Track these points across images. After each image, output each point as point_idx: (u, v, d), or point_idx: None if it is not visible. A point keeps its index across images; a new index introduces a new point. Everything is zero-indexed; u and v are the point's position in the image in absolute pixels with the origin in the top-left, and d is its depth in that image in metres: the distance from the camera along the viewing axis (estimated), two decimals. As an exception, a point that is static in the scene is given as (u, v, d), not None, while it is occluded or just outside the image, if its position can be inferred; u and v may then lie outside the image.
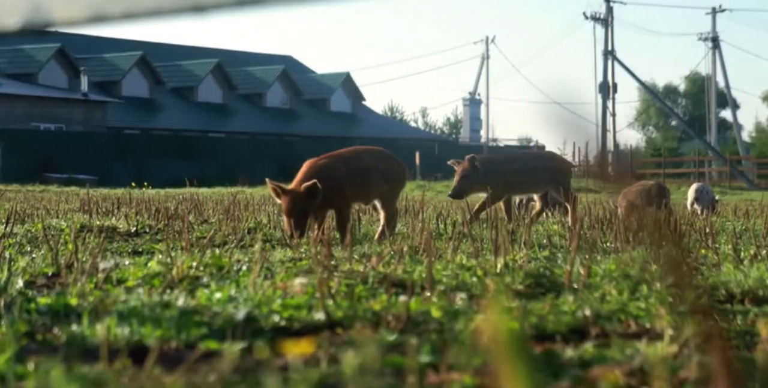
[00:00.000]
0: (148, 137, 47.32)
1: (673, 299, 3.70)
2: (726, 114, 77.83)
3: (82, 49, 54.44)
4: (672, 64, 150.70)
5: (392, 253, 5.02)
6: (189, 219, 7.71)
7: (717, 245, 5.95)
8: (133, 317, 3.14)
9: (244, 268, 4.73)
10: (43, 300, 3.46)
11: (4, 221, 8.23)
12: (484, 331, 0.98)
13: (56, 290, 3.85)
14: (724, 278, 4.27)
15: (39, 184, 32.50)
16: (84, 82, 50.11)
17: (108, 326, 2.95)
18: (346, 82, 64.40)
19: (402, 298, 3.54)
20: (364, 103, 66.42)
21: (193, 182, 21.66)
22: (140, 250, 6.21)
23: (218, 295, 3.65)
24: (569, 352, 2.79)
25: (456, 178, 9.76)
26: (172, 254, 4.90)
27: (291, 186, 6.89)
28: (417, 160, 37.93)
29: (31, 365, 2.33)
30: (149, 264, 4.79)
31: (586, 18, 56.06)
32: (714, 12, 66.30)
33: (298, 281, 3.80)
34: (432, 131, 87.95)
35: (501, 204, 9.89)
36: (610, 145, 56.79)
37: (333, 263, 4.49)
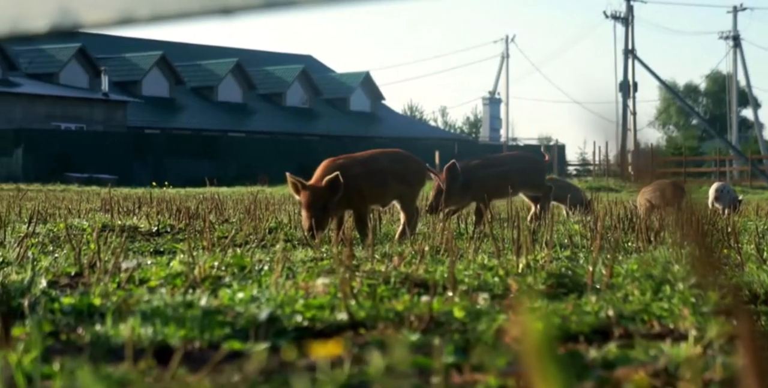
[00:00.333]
0: (168, 137, 47.42)
1: (696, 299, 3.69)
2: (747, 113, 77.53)
3: (103, 48, 54.62)
4: (693, 63, 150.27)
5: (414, 253, 5.02)
6: (210, 219, 7.72)
7: (739, 245, 5.93)
8: (156, 317, 3.15)
9: (266, 268, 4.74)
10: (67, 300, 3.47)
11: (26, 220, 8.27)
12: (514, 332, 0.97)
13: (79, 290, 3.86)
14: (747, 279, 4.25)
15: (59, 183, 32.64)
16: (104, 82, 50.28)
17: (132, 326, 2.96)
18: (366, 81, 64.42)
19: (424, 298, 3.54)
20: (383, 102, 66.42)
21: (213, 182, 21.69)
22: (162, 249, 6.23)
23: (240, 295, 3.65)
24: (593, 353, 2.78)
25: (432, 193, 9.54)
26: (194, 253, 4.91)
27: (310, 182, 6.90)
28: (437, 160, 37.91)
29: (56, 365, 2.34)
30: (171, 264, 4.80)
31: (606, 17, 55.91)
32: (735, 10, 66.06)
33: (321, 281, 3.81)
34: (452, 131, 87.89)
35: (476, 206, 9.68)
36: (630, 144, 56.64)
37: (354, 262, 4.49)
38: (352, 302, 3.39)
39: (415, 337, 3.00)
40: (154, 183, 28.92)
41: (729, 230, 6.79)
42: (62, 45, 51.56)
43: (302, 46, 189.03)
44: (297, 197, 6.92)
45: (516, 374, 2.44)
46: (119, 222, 8.04)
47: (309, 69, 62.58)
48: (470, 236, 7.36)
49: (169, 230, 7.88)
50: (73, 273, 4.68)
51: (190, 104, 56.34)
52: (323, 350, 2.22)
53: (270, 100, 60.43)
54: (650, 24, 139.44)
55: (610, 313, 3.38)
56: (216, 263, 4.74)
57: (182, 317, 3.17)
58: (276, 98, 60.62)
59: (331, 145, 45.47)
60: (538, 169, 10.45)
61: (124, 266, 4.61)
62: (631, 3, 55.96)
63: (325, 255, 5.58)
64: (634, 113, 56.61)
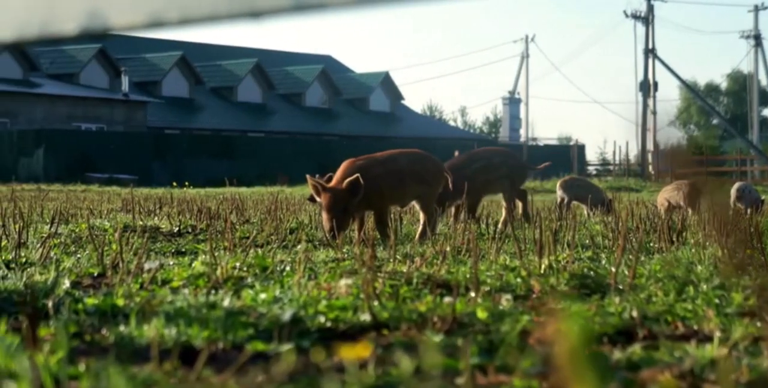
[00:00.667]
0: (188, 137, 47.52)
1: (720, 300, 3.68)
2: (768, 112, 77.17)
3: (123, 49, 54.79)
4: (713, 62, 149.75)
5: (435, 253, 5.02)
6: (231, 219, 7.74)
7: (763, 246, 5.90)
8: (180, 318, 3.16)
9: (288, 268, 4.74)
10: (91, 301, 3.48)
11: (48, 220, 8.30)
12: (546, 334, 0.97)
13: (103, 291, 3.87)
14: (771, 279, 4.22)
15: (80, 184, 32.74)
16: (125, 83, 50.44)
17: (156, 327, 2.97)
18: (385, 81, 64.42)
19: (447, 299, 3.53)
20: (402, 102, 66.41)
21: (233, 182, 21.72)
22: (183, 250, 6.24)
23: (263, 296, 3.66)
24: (617, 354, 2.77)
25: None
26: (216, 254, 4.92)
27: (331, 184, 6.90)
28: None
29: (82, 366, 2.35)
30: (193, 264, 4.81)
31: (627, 16, 55.74)
32: (756, 9, 65.77)
33: (343, 282, 3.81)
34: (471, 131, 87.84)
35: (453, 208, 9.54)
36: (650, 144, 56.45)
37: (376, 263, 4.49)
38: (375, 303, 3.39)
39: (438, 338, 2.99)
40: (174, 183, 28.99)
41: (752, 230, 6.76)
42: (83, 46, 51.75)
43: (322, 46, 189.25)
44: (318, 199, 6.92)
45: (544, 375, 2.43)
46: (140, 222, 8.06)
47: (328, 69, 62.61)
48: (491, 236, 7.35)
49: (190, 230, 7.89)
50: (95, 274, 4.69)
51: (209, 104, 56.45)
52: (351, 352, 2.21)
53: (289, 101, 60.49)
54: (671, 23, 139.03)
55: (634, 314, 3.37)
56: (238, 264, 4.75)
57: (205, 317, 3.17)
58: (295, 98, 60.67)
59: (350, 146, 45.49)
60: (523, 168, 10.29)
61: (146, 266, 4.62)
62: (652, 2, 55.79)
63: (346, 256, 5.59)
64: (655, 113, 56.43)
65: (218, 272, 4.42)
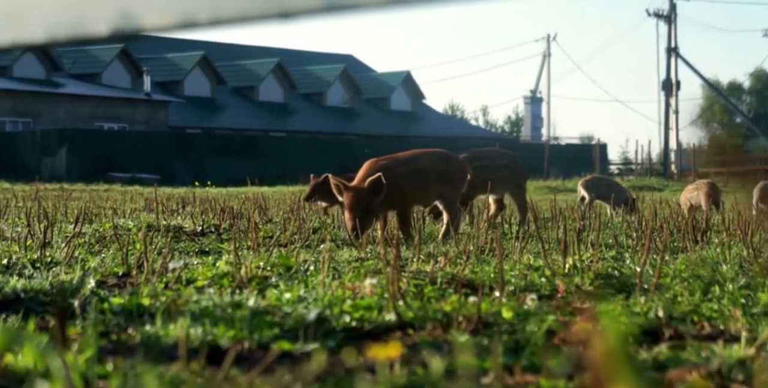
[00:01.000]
0: (210, 137, 47.62)
1: (746, 300, 3.66)
2: (791, 111, 76.79)
3: (145, 49, 54.96)
4: (736, 61, 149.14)
5: (459, 253, 5.02)
6: (254, 219, 7.75)
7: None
8: (205, 318, 3.17)
9: (311, 268, 4.75)
10: (116, 300, 3.49)
11: (72, 220, 8.34)
12: (583, 334, 0.96)
13: (128, 290, 3.89)
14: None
15: (102, 183, 32.85)
16: (147, 82, 50.60)
17: (181, 326, 2.97)
18: (407, 80, 64.40)
19: (472, 299, 3.53)
20: (424, 101, 66.38)
21: (254, 181, 21.77)
22: (207, 249, 6.25)
23: (287, 295, 3.66)
24: (643, 354, 2.77)
25: None
26: (239, 253, 4.92)
27: (353, 184, 6.91)
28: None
29: (110, 365, 2.35)
30: (218, 264, 4.83)
31: (649, 15, 55.60)
32: (779, 8, 65.40)
33: (368, 281, 3.81)
34: (493, 130, 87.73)
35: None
36: (672, 143, 56.26)
37: (400, 263, 4.49)
38: (400, 303, 3.39)
39: (464, 338, 2.99)
40: (196, 183, 29.07)
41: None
42: (105, 46, 51.92)
43: (343, 45, 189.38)
44: (340, 199, 6.92)
45: (570, 375, 2.43)
46: (164, 222, 8.08)
47: (350, 69, 62.63)
48: (513, 236, 7.35)
49: (213, 229, 7.91)
50: (120, 273, 4.71)
51: (231, 104, 56.56)
52: (381, 352, 2.21)
53: (311, 100, 60.54)
54: (693, 22, 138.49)
55: (660, 314, 3.36)
56: (262, 263, 4.76)
57: (231, 317, 3.18)
58: (317, 98, 60.72)
59: (371, 145, 45.51)
60: (523, 171, 10.13)
61: (171, 266, 4.63)
62: (674, 1, 55.61)
63: (369, 255, 5.59)
64: (677, 112, 56.25)
65: (242, 271, 4.42)
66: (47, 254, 5.15)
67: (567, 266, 4.58)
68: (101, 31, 1.53)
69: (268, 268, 4.71)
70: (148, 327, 3.05)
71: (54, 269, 4.63)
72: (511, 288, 4.07)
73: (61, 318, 2.48)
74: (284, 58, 60.40)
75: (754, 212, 11.46)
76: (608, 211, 12.53)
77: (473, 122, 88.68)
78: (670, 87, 54.89)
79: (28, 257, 5.08)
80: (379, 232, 7.02)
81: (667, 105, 55.19)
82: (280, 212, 10.31)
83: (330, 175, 7.01)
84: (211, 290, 3.93)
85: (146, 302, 3.48)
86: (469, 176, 7.70)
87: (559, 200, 12.31)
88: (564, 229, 4.87)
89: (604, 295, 3.94)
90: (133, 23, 1.47)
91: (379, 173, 6.74)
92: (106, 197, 17.15)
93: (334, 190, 6.94)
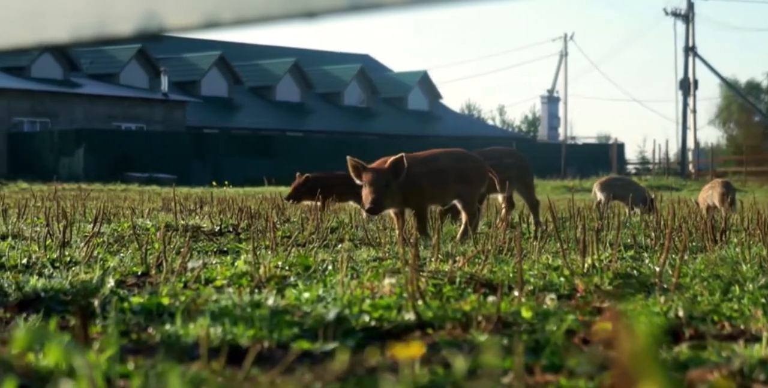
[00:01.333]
0: (227, 136, 47.70)
1: (767, 300, 3.65)
2: (809, 110, 76.45)
3: (162, 49, 55.06)
4: (754, 60, 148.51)
5: (479, 253, 5.01)
6: (272, 218, 7.76)
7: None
8: (225, 317, 3.17)
9: (330, 267, 4.75)
10: (136, 299, 3.50)
11: (90, 220, 8.36)
12: (612, 333, 0.96)
13: (147, 290, 3.90)
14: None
15: (120, 183, 32.95)
16: (164, 82, 50.72)
17: (202, 325, 2.98)
18: (423, 80, 64.38)
19: (491, 298, 3.53)
20: (441, 101, 66.36)
21: (271, 181, 21.79)
22: (225, 249, 6.27)
23: (307, 295, 3.67)
24: (663, 354, 2.76)
25: None
26: (258, 253, 4.93)
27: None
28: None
29: (131, 365, 2.36)
30: (236, 264, 4.84)
31: (667, 14, 55.43)
32: (797, 7, 65.15)
33: (387, 281, 3.81)
34: (510, 129, 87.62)
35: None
36: (690, 143, 56.09)
37: (418, 262, 4.49)
38: (420, 303, 3.39)
39: (483, 337, 2.99)
40: (213, 183, 29.11)
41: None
42: (123, 46, 52.06)
43: (360, 45, 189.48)
44: (358, 181, 6.89)
45: (590, 375, 2.42)
46: (182, 222, 8.10)
47: (366, 68, 62.64)
48: (531, 235, 7.34)
49: (231, 229, 7.92)
50: (139, 273, 4.72)
51: (248, 104, 56.64)
52: (404, 352, 2.21)
53: (328, 100, 60.58)
54: (711, 21, 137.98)
55: (680, 313, 3.35)
56: (280, 263, 4.77)
57: (251, 316, 3.18)
58: (334, 98, 60.76)
59: (388, 145, 45.50)
60: (530, 169, 10.07)
61: (190, 265, 4.65)
62: (692, 0, 55.44)
63: (387, 255, 5.59)
64: (694, 111, 56.09)
65: (261, 271, 4.43)
66: (66, 253, 5.17)
67: (586, 265, 4.58)
68: (125, 31, 1.53)
69: (287, 267, 4.71)
70: (168, 326, 3.05)
71: (73, 268, 4.64)
72: (530, 288, 4.07)
73: (83, 317, 2.49)
74: (301, 57, 60.44)
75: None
76: (626, 210, 12.51)
77: (490, 122, 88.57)
78: (687, 86, 54.72)
79: (48, 256, 5.10)
80: (397, 231, 7.01)
81: (685, 104, 55.03)
82: (298, 212, 10.32)
83: (349, 157, 6.97)
84: (230, 290, 3.94)
85: (166, 301, 3.49)
86: (488, 176, 7.68)
87: (577, 200, 12.28)
88: (583, 228, 4.86)
89: (623, 294, 3.94)
90: (156, 23, 1.47)
91: (402, 154, 6.78)
92: (123, 196, 17.20)
93: (352, 172, 6.89)
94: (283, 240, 6.41)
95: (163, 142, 43.91)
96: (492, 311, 3.25)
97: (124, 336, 2.95)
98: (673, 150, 61.03)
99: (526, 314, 3.34)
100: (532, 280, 4.24)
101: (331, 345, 2.86)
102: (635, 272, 4.50)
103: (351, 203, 10.80)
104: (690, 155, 55.63)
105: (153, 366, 2.36)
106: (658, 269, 4.32)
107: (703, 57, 54.33)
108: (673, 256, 5.11)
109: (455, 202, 7.52)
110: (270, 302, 3.45)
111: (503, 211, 9.52)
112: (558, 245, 5.47)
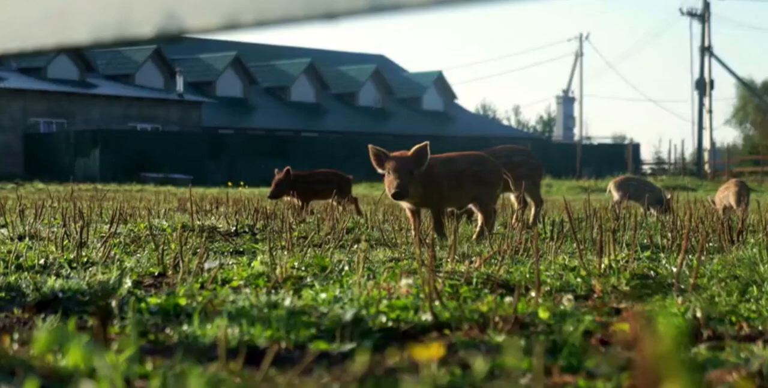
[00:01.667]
0: (242, 137, 47.76)
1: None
2: (826, 110, 76.14)
3: (178, 50, 55.19)
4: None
5: (495, 253, 5.01)
6: (288, 219, 7.77)
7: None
8: (242, 318, 3.17)
9: (346, 268, 4.76)
10: (153, 300, 3.50)
11: (107, 220, 8.38)
12: (637, 335, 0.96)
13: (164, 290, 3.90)
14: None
15: (135, 183, 33.01)
16: (179, 83, 50.83)
17: (219, 326, 2.98)
18: (439, 80, 64.37)
19: (508, 299, 3.52)
20: (456, 101, 66.33)
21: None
22: (241, 249, 6.27)
23: (323, 295, 3.67)
24: (684, 355, 2.75)
25: None
26: (274, 254, 4.94)
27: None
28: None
29: (149, 365, 2.36)
30: (253, 264, 4.84)
31: (682, 14, 55.30)
32: (813, 6, 64.92)
33: (404, 282, 3.81)
34: (525, 129, 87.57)
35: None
36: (706, 143, 55.94)
37: (435, 263, 4.48)
38: (436, 303, 3.39)
39: (500, 338, 2.99)
40: (228, 183, 29.14)
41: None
42: (138, 46, 52.19)
43: (375, 45, 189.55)
44: (379, 170, 6.91)
45: (608, 376, 2.42)
46: (198, 222, 8.10)
47: (381, 69, 62.65)
48: (547, 236, 7.33)
49: (247, 230, 7.93)
50: (156, 273, 4.73)
51: (263, 104, 56.71)
52: (425, 353, 2.21)
53: (343, 100, 60.61)
54: (727, 20, 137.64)
55: (698, 314, 3.34)
56: (296, 264, 4.77)
57: (268, 317, 3.18)
58: (349, 98, 60.79)
59: (404, 145, 45.25)
60: (540, 168, 10.04)
61: (206, 266, 4.66)
62: (708, 0, 55.29)
63: (403, 255, 5.59)
64: (711, 111, 55.93)
65: (277, 271, 4.43)
66: (83, 254, 5.18)
67: (602, 266, 4.57)
68: (145, 33, 1.53)
69: (303, 268, 4.72)
70: (185, 327, 3.06)
71: (90, 269, 4.65)
72: (547, 288, 4.06)
73: (102, 318, 2.50)
74: (316, 58, 60.50)
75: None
76: (641, 211, 12.47)
77: (505, 122, 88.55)
78: (703, 86, 54.58)
79: (65, 256, 5.11)
80: (413, 232, 7.02)
81: (701, 104, 54.89)
82: (315, 212, 10.32)
83: (370, 146, 6.98)
84: (247, 290, 3.94)
85: (183, 302, 3.49)
86: (502, 177, 7.70)
87: (592, 200, 12.26)
88: (600, 229, 4.85)
89: (641, 295, 3.93)
90: (177, 24, 1.47)
91: (426, 142, 6.82)
92: (139, 197, 17.23)
93: (374, 161, 6.92)
94: (299, 241, 6.42)
95: (178, 143, 44.01)
96: (509, 312, 3.24)
97: (142, 337, 2.95)
98: (689, 150, 60.80)
99: (543, 314, 3.34)
100: (548, 280, 4.23)
101: (348, 346, 2.86)
102: (652, 272, 4.48)
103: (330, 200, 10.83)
104: (706, 155, 55.47)
105: (171, 367, 2.36)
106: (675, 269, 4.31)
107: (719, 57, 54.20)
108: (690, 257, 5.10)
109: (471, 205, 7.54)
110: (287, 302, 3.45)
111: (518, 211, 9.51)
112: (574, 245, 5.47)
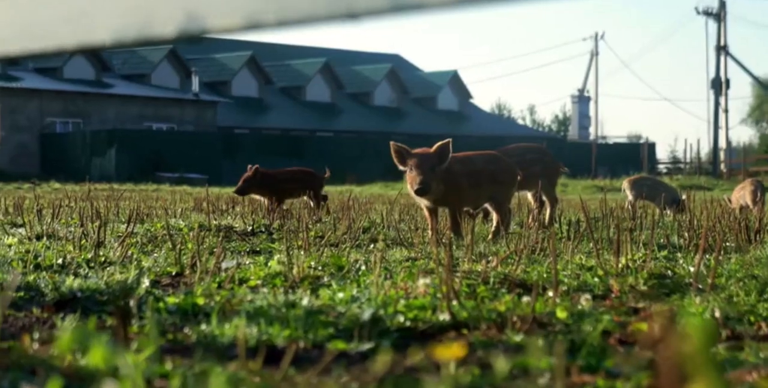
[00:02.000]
0: (257, 137, 47.82)
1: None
2: (843, 109, 75.84)
3: (193, 49, 55.28)
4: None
5: (512, 253, 5.00)
6: (305, 218, 7.78)
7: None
8: (260, 317, 3.18)
9: (363, 268, 4.76)
10: (171, 299, 3.51)
11: (123, 220, 8.41)
12: (662, 334, 0.96)
13: (182, 290, 3.91)
14: None
15: (151, 183, 33.08)
16: (195, 83, 50.92)
17: (238, 326, 2.99)
18: (454, 80, 64.33)
19: (525, 299, 3.52)
20: (471, 101, 66.29)
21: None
22: (258, 249, 6.28)
23: (341, 295, 3.67)
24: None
25: None
26: (291, 253, 4.94)
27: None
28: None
29: (169, 365, 2.37)
30: (270, 264, 4.84)
31: (698, 13, 55.14)
32: (830, 5, 64.67)
33: (422, 281, 3.81)
34: (540, 129, 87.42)
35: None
36: (722, 142, 55.77)
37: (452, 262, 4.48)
38: (454, 303, 3.39)
39: (518, 338, 2.99)
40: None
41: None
42: (153, 46, 52.31)
43: (390, 45, 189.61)
44: (401, 167, 6.94)
45: (627, 376, 2.42)
46: (214, 222, 8.12)
47: (397, 68, 62.65)
48: (563, 235, 7.32)
49: (263, 229, 7.94)
50: (174, 273, 4.74)
51: (278, 104, 56.76)
52: (446, 352, 2.21)
53: (358, 100, 60.63)
54: (743, 19, 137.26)
55: (716, 314, 3.33)
56: (313, 263, 4.77)
57: (286, 317, 3.19)
58: (364, 98, 60.80)
59: (419, 145, 45.24)
60: (556, 167, 9.97)
61: (224, 265, 4.66)
62: (723, -2, 55.12)
63: (420, 255, 5.59)
64: (726, 111, 55.76)
65: (294, 271, 4.44)
66: (101, 253, 5.20)
67: (620, 265, 4.56)
68: (167, 33, 1.53)
69: (320, 268, 4.72)
70: (203, 326, 3.06)
71: (108, 268, 4.67)
72: (565, 288, 4.06)
73: (122, 318, 2.50)
74: (331, 58, 60.54)
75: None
76: (656, 211, 12.44)
77: (520, 121, 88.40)
78: (719, 85, 54.41)
79: (83, 256, 5.13)
80: (429, 232, 7.02)
81: (717, 103, 54.72)
82: (330, 212, 10.33)
83: (392, 142, 7.02)
84: (265, 290, 3.95)
85: (201, 301, 3.50)
86: (517, 176, 7.70)
87: (608, 199, 12.23)
88: (617, 228, 4.84)
89: (659, 295, 3.92)
90: (199, 25, 1.48)
91: (449, 139, 6.85)
92: (155, 196, 17.27)
93: (395, 157, 6.95)
94: (315, 240, 6.42)
95: (194, 143, 44.09)
96: (527, 312, 3.24)
97: (161, 336, 2.96)
98: (705, 149, 60.63)
99: (561, 314, 3.33)
100: (566, 280, 4.23)
101: (366, 345, 2.86)
102: (669, 272, 4.47)
103: (305, 198, 10.83)
104: (722, 155, 55.31)
105: (191, 366, 2.37)
106: (693, 269, 4.30)
107: (735, 56, 54.03)
108: (708, 256, 5.08)
109: (487, 204, 7.56)
110: (305, 302, 3.45)
111: (534, 210, 9.49)
112: (591, 244, 5.46)
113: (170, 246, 5.64)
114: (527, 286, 4.06)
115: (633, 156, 53.85)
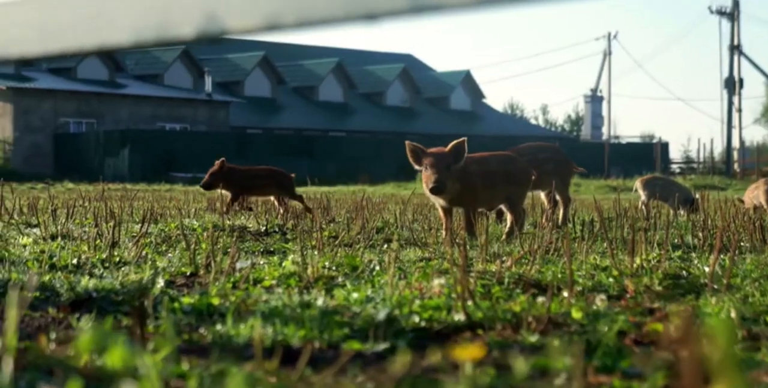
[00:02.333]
0: (270, 137, 47.86)
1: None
2: None
3: (206, 50, 55.36)
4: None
5: (527, 253, 5.00)
6: (318, 218, 7.78)
7: None
8: (275, 317, 3.18)
9: (377, 268, 4.76)
10: (187, 300, 3.51)
11: (137, 220, 8.42)
12: (683, 335, 0.96)
13: (197, 290, 3.91)
14: None
15: (164, 183, 33.13)
16: (208, 83, 50.99)
17: (253, 326, 2.99)
18: (466, 80, 64.30)
19: (540, 299, 3.51)
20: (484, 101, 66.24)
21: (314, 181, 21.84)
22: (272, 249, 6.28)
23: (355, 295, 3.67)
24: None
25: None
26: (305, 253, 4.94)
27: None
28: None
29: (185, 365, 2.37)
30: (284, 264, 4.84)
31: (712, 12, 55.03)
32: (844, 4, 64.43)
33: (436, 281, 3.81)
34: (553, 129, 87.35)
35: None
36: (735, 142, 55.63)
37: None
38: (469, 303, 3.38)
39: (534, 338, 2.98)
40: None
41: None
42: (167, 47, 52.42)
43: (402, 45, 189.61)
44: (416, 167, 6.95)
45: (641, 376, 2.41)
46: (228, 222, 8.13)
47: (409, 68, 62.65)
48: (577, 235, 7.31)
49: (277, 229, 7.94)
50: (188, 273, 4.74)
51: (291, 104, 56.81)
52: (465, 353, 2.21)
53: (370, 100, 60.64)
54: (757, 19, 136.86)
55: (732, 314, 3.33)
56: (327, 263, 4.77)
57: (301, 317, 3.19)
58: (376, 97, 60.81)
59: (431, 144, 45.27)
60: (569, 167, 9.94)
61: (238, 265, 4.67)
62: (737, -2, 54.97)
63: (434, 255, 5.58)
64: (740, 110, 55.63)
65: (309, 271, 4.44)
66: (116, 253, 5.20)
67: (634, 265, 4.55)
68: (186, 34, 1.54)
69: (334, 268, 4.72)
70: (219, 327, 3.07)
71: (123, 268, 4.67)
72: (579, 288, 4.06)
73: (139, 318, 2.51)
74: (344, 57, 60.57)
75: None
76: (670, 211, 12.41)
77: (533, 121, 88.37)
78: (733, 85, 54.29)
79: (98, 256, 5.14)
80: (444, 232, 7.02)
81: (730, 103, 54.59)
82: (343, 212, 10.33)
83: (407, 142, 7.03)
84: (280, 290, 3.95)
85: (216, 301, 3.50)
86: (531, 177, 7.70)
87: (622, 199, 12.21)
88: (631, 228, 4.83)
89: (674, 295, 3.91)
90: (218, 25, 1.48)
91: (464, 138, 6.85)
92: (168, 196, 17.30)
93: (411, 157, 6.97)
94: (329, 240, 6.42)
95: (206, 143, 44.13)
96: (542, 312, 3.24)
97: (177, 336, 2.96)
98: (718, 149, 60.45)
99: (576, 314, 3.33)
100: (580, 280, 4.22)
101: (382, 346, 2.86)
102: (684, 272, 4.46)
103: (271, 198, 10.81)
104: (735, 154, 55.18)
105: (207, 366, 2.37)
106: (708, 269, 4.29)
107: (749, 55, 53.88)
108: (722, 256, 5.07)
109: (502, 205, 7.56)
110: (319, 302, 3.46)
111: (548, 210, 9.47)
112: (605, 245, 5.45)
113: (184, 246, 5.65)
114: (542, 286, 4.05)
115: (646, 156, 53.73)
